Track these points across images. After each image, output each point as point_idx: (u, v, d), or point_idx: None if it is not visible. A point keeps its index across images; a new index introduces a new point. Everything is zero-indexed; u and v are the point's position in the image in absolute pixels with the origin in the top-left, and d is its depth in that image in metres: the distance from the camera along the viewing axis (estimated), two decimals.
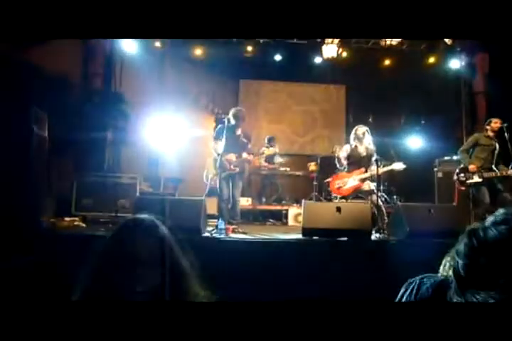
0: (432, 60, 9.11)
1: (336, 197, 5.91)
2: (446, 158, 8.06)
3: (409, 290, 1.14)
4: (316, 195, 7.89)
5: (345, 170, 5.83)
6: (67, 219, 5.59)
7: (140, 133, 7.73)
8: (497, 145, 5.85)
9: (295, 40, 8.89)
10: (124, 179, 6.59)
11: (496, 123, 5.92)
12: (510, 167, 5.63)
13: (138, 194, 6.42)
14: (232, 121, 5.53)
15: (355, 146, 5.77)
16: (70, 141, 6.36)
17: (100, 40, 7.31)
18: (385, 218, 5.51)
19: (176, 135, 7.98)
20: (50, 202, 5.82)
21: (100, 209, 6.28)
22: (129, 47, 7.86)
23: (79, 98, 7.00)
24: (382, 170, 5.57)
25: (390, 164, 5.72)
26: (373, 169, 5.56)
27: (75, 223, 5.54)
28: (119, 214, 6.11)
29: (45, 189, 5.33)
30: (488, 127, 5.98)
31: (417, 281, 1.15)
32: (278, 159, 8.54)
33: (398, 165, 5.63)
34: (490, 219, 1.00)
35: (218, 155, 5.38)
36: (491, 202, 5.69)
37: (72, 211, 6.27)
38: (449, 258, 1.07)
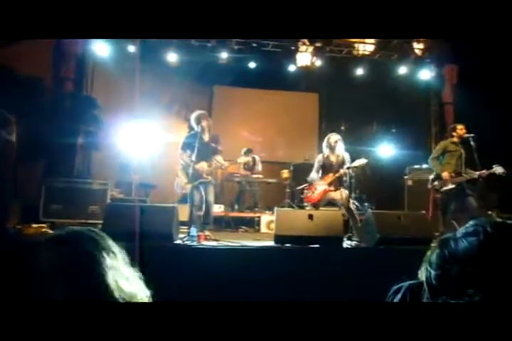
0: (403, 70, 9.31)
1: (308, 205, 5.94)
2: (416, 166, 8.24)
3: (400, 295, 1.13)
4: (288, 202, 7.93)
5: (318, 180, 5.86)
6: (34, 225, 5.44)
7: (112, 138, 7.62)
8: (463, 151, 6.02)
9: (269, 48, 8.95)
10: (94, 185, 6.47)
11: (461, 129, 6.09)
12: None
13: (109, 200, 6.31)
14: (196, 127, 5.44)
15: (327, 156, 5.82)
16: (39, 145, 6.22)
17: (72, 42, 7.21)
18: (358, 225, 5.57)
19: (148, 140, 7.91)
20: (16, 207, 5.67)
21: (69, 216, 6.14)
22: (101, 50, 7.76)
23: (50, 102, 6.86)
24: (344, 169, 5.64)
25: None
26: (340, 171, 5.64)
27: (43, 230, 5.39)
28: (89, 221, 6.00)
29: (12, 194, 5.18)
30: (454, 133, 6.14)
31: (407, 286, 1.15)
32: (259, 166, 8.59)
33: (360, 161, 5.68)
34: (461, 230, 1.02)
35: (188, 164, 5.29)
36: (460, 207, 5.83)
37: (40, 217, 6.11)
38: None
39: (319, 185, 5.75)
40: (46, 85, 6.95)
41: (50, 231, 5.38)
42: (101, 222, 5.64)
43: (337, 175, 5.67)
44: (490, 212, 7.04)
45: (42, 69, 6.93)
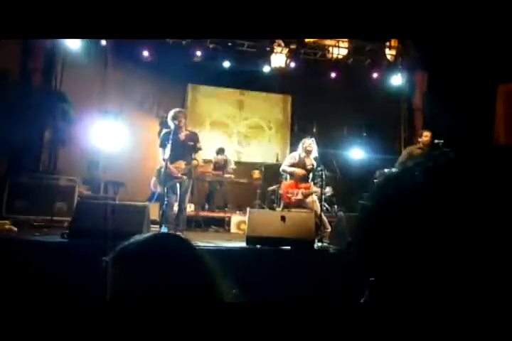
0: (375, 75, 9.46)
1: (279, 205, 5.98)
2: (386, 170, 8.36)
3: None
4: (259, 202, 7.92)
5: (290, 178, 5.92)
6: None
7: (81, 134, 7.43)
8: None
9: (245, 48, 8.94)
10: (61, 181, 6.30)
11: (426, 136, 6.26)
12: None
13: (77, 197, 6.15)
14: (172, 125, 5.34)
15: (304, 157, 5.89)
16: (4, 140, 6.00)
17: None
18: (328, 227, 5.63)
19: (118, 137, 7.75)
20: None
21: (35, 212, 5.95)
22: (72, 43, 7.54)
23: (16, 95, 6.63)
24: (324, 191, 5.80)
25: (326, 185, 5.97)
26: (316, 190, 5.78)
27: (6, 226, 5.20)
28: (55, 218, 5.82)
29: None
30: (420, 140, 6.30)
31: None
32: (231, 166, 8.56)
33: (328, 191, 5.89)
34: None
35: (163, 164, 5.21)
36: None
37: (3, 213, 5.91)
38: None
39: (300, 193, 5.82)
40: (13, 78, 6.72)
41: (14, 228, 5.20)
42: (67, 219, 5.52)
43: (312, 191, 5.81)
44: None
45: (8, 62, 6.70)
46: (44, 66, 7.26)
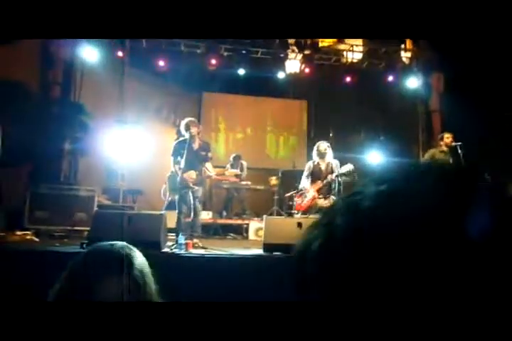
0: (390, 78, 9.39)
1: (297, 212, 5.95)
2: None
3: None
4: (277, 209, 7.91)
5: (307, 188, 5.88)
6: (18, 232, 5.35)
7: (99, 144, 7.55)
8: (451, 159, 6.07)
9: (259, 55, 8.99)
10: (81, 191, 6.39)
11: (448, 138, 6.16)
12: None
13: (96, 207, 6.24)
14: (186, 134, 5.38)
15: (317, 163, 5.85)
16: (25, 151, 6.14)
17: (60, 46, 7.15)
18: None
19: (136, 146, 7.85)
20: (0, 214, 5.58)
21: (55, 223, 6.05)
22: (89, 55, 7.70)
23: (36, 107, 6.78)
24: (332, 176, 5.68)
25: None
26: (328, 178, 5.67)
27: (28, 237, 5.31)
28: (75, 228, 5.92)
29: None
30: (441, 142, 6.20)
31: None
32: (245, 172, 8.59)
33: (347, 167, 5.71)
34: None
35: (175, 172, 5.26)
36: None
37: (25, 224, 6.01)
38: None
39: (308, 193, 5.76)
40: (32, 90, 6.87)
41: (35, 239, 5.31)
42: (87, 228, 5.60)
43: (325, 181, 5.69)
44: None
45: (28, 74, 6.86)
46: (63, 78, 7.41)
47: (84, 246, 4.44)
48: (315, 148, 5.97)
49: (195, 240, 5.19)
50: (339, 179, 5.66)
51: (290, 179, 7.90)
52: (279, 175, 8.43)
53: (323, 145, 5.89)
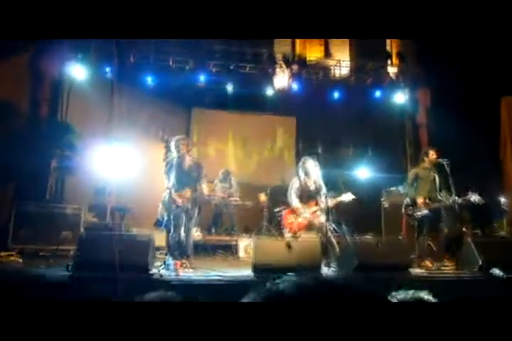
0: (377, 93, 9.48)
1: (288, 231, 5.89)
2: (392, 188, 8.30)
3: None
4: (266, 225, 7.86)
5: (297, 205, 5.83)
6: (2, 253, 5.24)
7: (87, 162, 7.46)
8: (436, 175, 6.06)
9: (247, 70, 9.02)
10: (67, 209, 6.31)
11: (432, 155, 6.15)
12: (452, 194, 5.81)
13: (82, 226, 6.15)
14: (176, 153, 5.34)
15: (304, 180, 5.81)
16: (10, 168, 6.06)
17: (48, 65, 7.11)
18: (337, 251, 5.54)
19: (124, 163, 7.78)
20: None
21: (40, 242, 5.94)
22: (77, 72, 7.68)
23: (23, 125, 6.71)
24: (332, 202, 5.67)
25: (339, 195, 5.80)
26: (323, 201, 5.65)
27: (11, 258, 5.21)
28: (60, 247, 5.81)
29: None
30: (426, 158, 6.19)
31: None
32: (235, 187, 8.56)
33: (347, 197, 5.73)
34: None
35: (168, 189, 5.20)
36: (436, 228, 5.88)
37: (9, 243, 5.90)
38: None
39: (302, 213, 5.71)
40: (20, 108, 6.82)
41: (19, 260, 5.19)
42: (73, 248, 5.51)
43: (321, 206, 5.66)
44: (464, 229, 7.15)
45: (16, 92, 6.81)
46: (50, 96, 7.37)
47: (70, 268, 4.37)
48: (300, 164, 5.94)
49: (183, 260, 5.12)
50: (331, 201, 5.64)
51: (279, 195, 7.85)
52: (268, 191, 8.40)
53: (308, 161, 5.86)
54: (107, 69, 8.18)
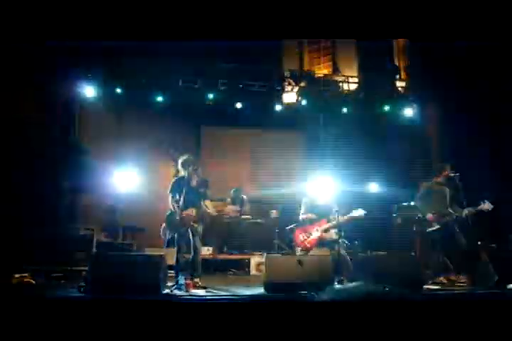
0: (386, 107, 9.47)
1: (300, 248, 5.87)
2: (404, 203, 8.23)
3: None
4: (278, 242, 7.82)
5: (308, 222, 5.82)
6: (16, 275, 5.26)
7: (99, 182, 7.54)
8: (447, 190, 6.02)
9: (255, 88, 9.08)
10: (80, 230, 6.36)
11: (446, 170, 6.12)
12: (464, 208, 5.76)
13: (95, 247, 6.18)
14: (183, 172, 5.38)
15: (314, 198, 5.82)
16: (23, 191, 6.14)
17: (60, 87, 7.24)
18: (350, 268, 5.49)
19: (135, 182, 7.85)
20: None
21: (54, 263, 5.98)
22: (88, 91, 7.79)
23: (36, 146, 6.81)
24: (343, 218, 5.65)
25: (350, 211, 5.78)
26: (334, 218, 5.63)
27: (25, 279, 5.23)
28: (74, 268, 5.84)
29: None
30: (442, 173, 6.15)
31: None
32: (246, 208, 8.57)
33: (358, 212, 5.71)
34: None
35: (174, 209, 5.23)
36: (449, 244, 5.79)
37: (23, 265, 5.93)
38: None
39: (313, 231, 5.70)
40: (33, 129, 6.93)
41: (32, 282, 5.22)
42: (86, 269, 5.53)
43: (332, 224, 5.65)
44: (480, 243, 7.04)
45: (29, 113, 6.93)
46: (62, 117, 7.49)
47: (82, 289, 4.38)
48: (310, 181, 5.97)
49: (195, 280, 5.11)
50: (342, 218, 5.63)
51: (290, 212, 7.82)
52: (279, 208, 8.39)
53: (319, 180, 5.89)
54: (118, 90, 8.28)
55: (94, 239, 6.34)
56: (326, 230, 5.67)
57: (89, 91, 7.82)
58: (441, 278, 5.71)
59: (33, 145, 6.70)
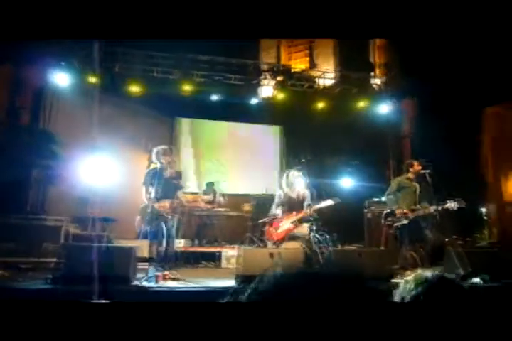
0: (362, 103, 9.56)
1: (270, 241, 5.90)
2: (375, 199, 8.36)
3: None
4: (250, 236, 7.84)
5: (279, 216, 5.86)
6: None
7: (69, 172, 7.39)
8: (418, 186, 6.13)
9: (232, 81, 9.04)
10: (48, 221, 6.23)
11: (417, 166, 6.22)
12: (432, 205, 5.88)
13: (63, 237, 6.07)
14: (157, 163, 5.34)
15: (287, 192, 5.86)
16: None
17: (31, 72, 7.06)
18: (320, 261, 5.56)
19: (107, 173, 7.73)
20: None
21: (22, 254, 5.84)
22: (60, 79, 7.61)
23: (3, 133, 6.63)
24: (313, 208, 5.70)
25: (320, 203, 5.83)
26: (304, 211, 5.68)
27: None
28: (42, 259, 5.73)
29: None
30: (410, 169, 6.26)
31: None
32: (221, 201, 8.54)
33: (326, 203, 5.76)
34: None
35: (147, 201, 5.18)
36: (417, 239, 5.91)
37: None
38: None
39: (282, 223, 5.73)
40: (0, 116, 6.74)
41: (6, 274, 5.08)
42: (54, 260, 5.44)
43: (300, 215, 5.69)
44: (447, 239, 7.20)
45: None
46: (32, 104, 7.30)
47: (49, 281, 4.30)
48: (284, 176, 5.99)
49: (165, 272, 5.08)
50: (314, 213, 5.68)
51: (263, 205, 7.85)
52: (252, 201, 8.40)
53: (292, 173, 5.91)
54: (91, 78, 8.12)
55: (63, 231, 6.22)
56: (295, 222, 5.71)
57: (62, 78, 7.65)
58: (408, 272, 5.82)
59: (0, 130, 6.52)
